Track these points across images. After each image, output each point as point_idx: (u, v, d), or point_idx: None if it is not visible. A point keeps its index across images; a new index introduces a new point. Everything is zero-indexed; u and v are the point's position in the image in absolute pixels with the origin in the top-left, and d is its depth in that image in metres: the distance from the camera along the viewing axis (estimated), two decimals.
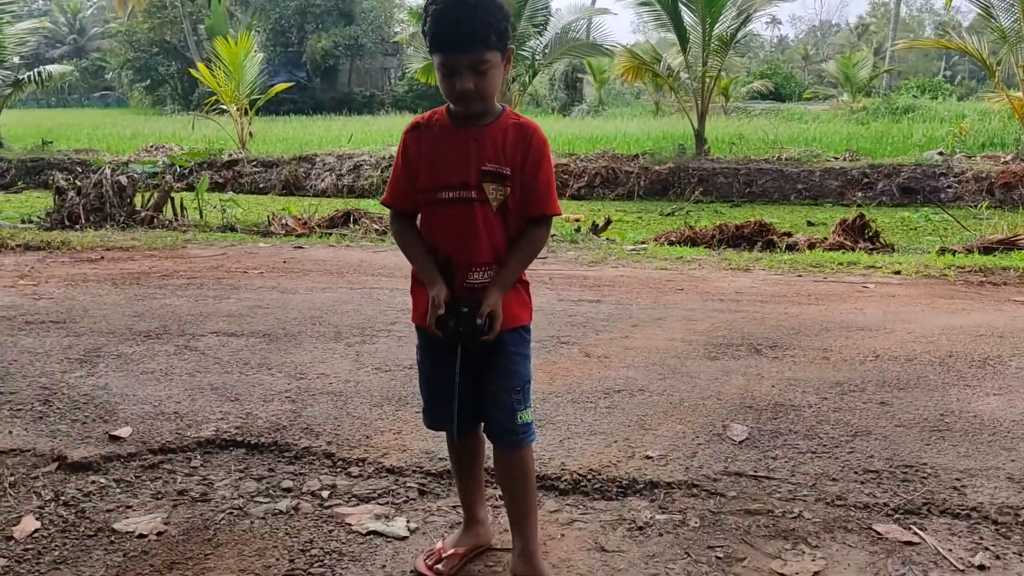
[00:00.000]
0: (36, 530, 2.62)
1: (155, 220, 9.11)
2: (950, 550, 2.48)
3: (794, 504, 2.74)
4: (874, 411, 3.45)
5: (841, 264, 6.61)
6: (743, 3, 14.69)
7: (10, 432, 3.30)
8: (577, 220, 11.41)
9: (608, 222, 9.83)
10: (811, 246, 7.96)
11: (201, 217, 9.99)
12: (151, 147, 17.43)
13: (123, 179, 9.28)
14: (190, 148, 16.51)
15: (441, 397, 2.30)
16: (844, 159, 14.57)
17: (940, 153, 14.40)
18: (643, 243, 8.09)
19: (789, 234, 8.46)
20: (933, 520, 2.65)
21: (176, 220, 9.39)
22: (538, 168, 2.18)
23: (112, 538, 2.57)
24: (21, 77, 18.81)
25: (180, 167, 13.28)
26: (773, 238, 8.13)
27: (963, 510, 2.70)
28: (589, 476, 2.93)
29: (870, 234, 8.14)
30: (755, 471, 2.96)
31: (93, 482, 2.93)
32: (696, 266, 6.67)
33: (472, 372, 2.26)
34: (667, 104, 33.32)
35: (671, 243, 8.22)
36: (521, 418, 2.26)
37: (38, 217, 9.63)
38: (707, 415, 3.43)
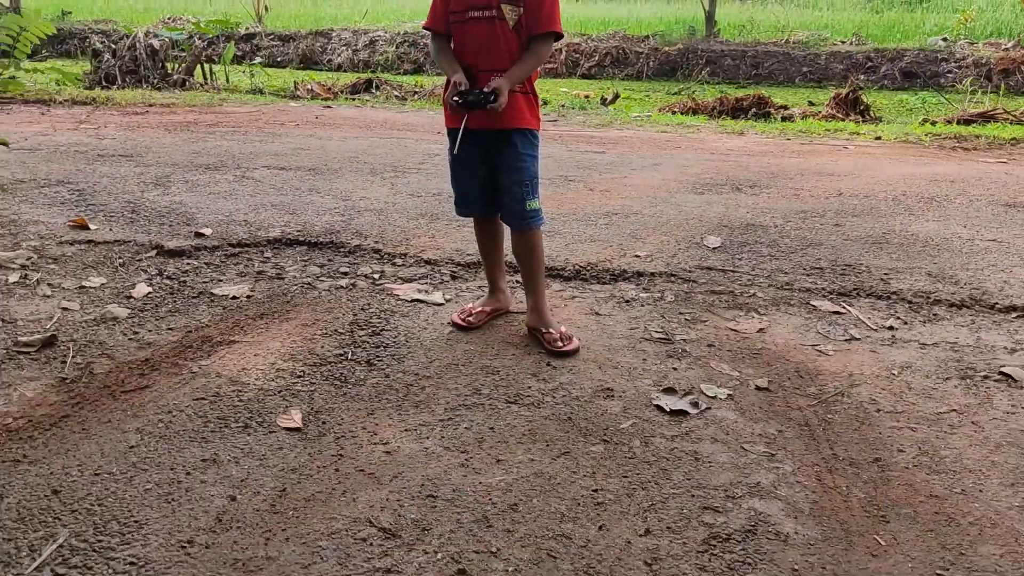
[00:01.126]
0: (148, 293, 3.33)
1: (187, 83, 9.63)
2: (869, 317, 3.18)
3: (751, 288, 3.43)
4: (828, 230, 4.12)
5: (828, 131, 7.18)
6: None
7: (110, 229, 3.98)
8: (586, 96, 11.86)
9: (616, 96, 10.30)
10: (805, 117, 8.48)
11: (227, 81, 10.48)
12: (170, 18, 17.65)
13: (155, 43, 9.75)
14: (206, 21, 16.78)
15: (466, 186, 2.96)
16: (851, 44, 14.84)
17: (944, 39, 14.66)
18: (647, 113, 8.62)
19: (786, 107, 8.96)
20: (860, 300, 3.35)
21: (207, 83, 9.91)
22: None
23: (212, 298, 3.28)
24: None
25: (204, 35, 13.65)
26: (770, 110, 8.64)
27: (885, 294, 3.39)
28: (588, 267, 3.62)
29: (861, 107, 8.65)
30: (723, 267, 3.65)
31: (188, 264, 3.63)
32: (695, 130, 7.25)
33: (490, 170, 2.89)
34: None
35: (674, 113, 8.75)
36: (529, 205, 2.90)
37: (75, 79, 10.14)
38: (689, 230, 4.10)
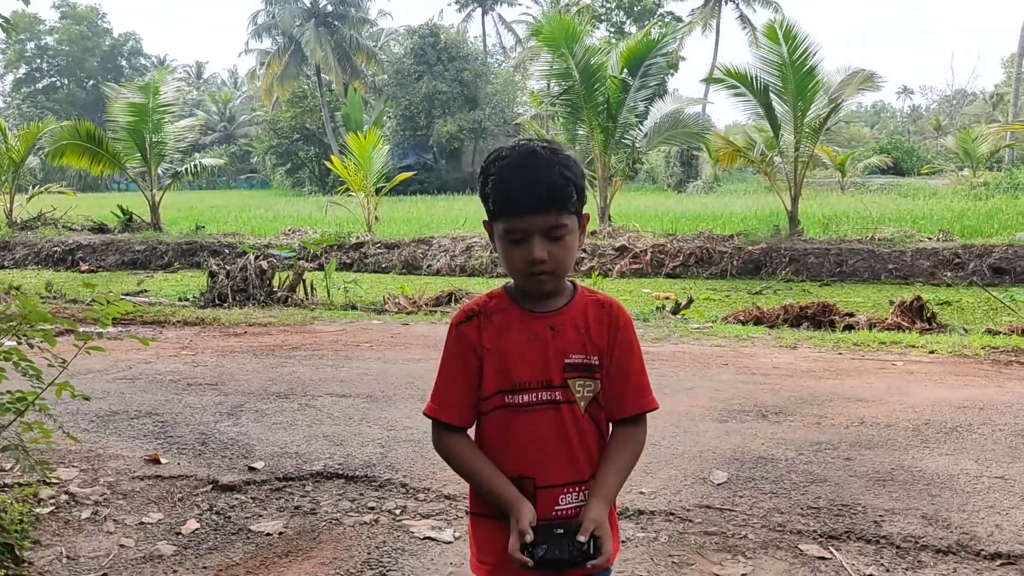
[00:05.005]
0: (196, 529, 3.77)
1: (289, 299, 10.58)
2: (852, 564, 3.30)
3: (743, 529, 3.61)
4: (837, 465, 4.26)
5: (883, 343, 7.28)
6: (833, 92, 15.42)
7: (178, 463, 4.51)
8: (667, 298, 12.28)
9: (690, 301, 10.66)
10: (871, 326, 8.59)
11: (328, 296, 11.42)
12: (289, 231, 19.37)
13: (264, 264, 10.83)
14: (323, 232, 18.33)
15: None
16: (937, 240, 14.90)
17: None
18: (709, 322, 8.92)
19: (851, 314, 9.10)
20: (849, 544, 3.47)
21: (307, 299, 10.85)
22: (630, 353, 1.90)
23: (248, 535, 3.69)
24: (179, 169, 21.29)
25: (312, 251, 14.96)
26: (834, 318, 8.81)
27: (876, 537, 3.50)
28: None
29: (928, 315, 8.71)
30: (722, 505, 3.83)
31: (236, 499, 4.07)
32: (749, 343, 7.48)
33: None
34: (781, 180, 33.83)
35: (740, 322, 9.01)
36: None
37: (193, 296, 11.30)
38: (700, 464, 4.32)
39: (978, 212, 21.13)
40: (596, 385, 1.87)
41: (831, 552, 3.39)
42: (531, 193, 1.74)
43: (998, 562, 3.26)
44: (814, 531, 3.56)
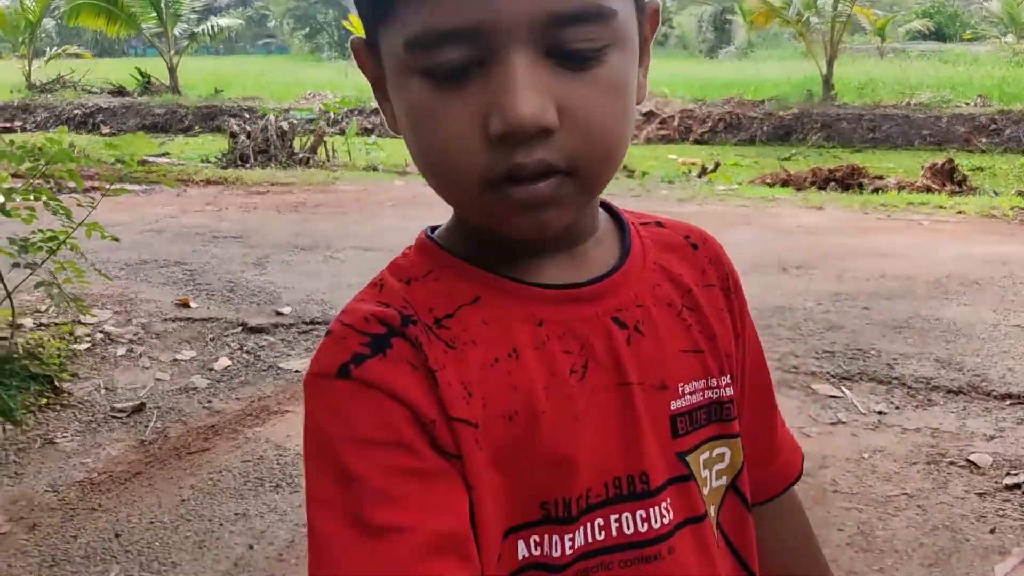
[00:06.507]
0: (228, 366, 3.90)
1: (310, 161, 10.57)
2: (863, 401, 3.38)
3: None
4: (855, 313, 4.30)
5: (911, 204, 7.21)
6: None
7: (208, 308, 4.63)
8: (693, 163, 12.13)
9: (717, 165, 10.55)
10: (900, 188, 8.47)
11: (350, 158, 11.38)
12: (309, 95, 19.14)
13: (284, 125, 10.77)
14: (343, 96, 18.10)
15: None
16: (974, 105, 14.50)
17: None
18: (735, 185, 8.83)
19: (881, 177, 8.97)
20: (861, 384, 3.55)
21: (328, 161, 10.83)
22: (758, 345, 0.85)
23: (278, 372, 3.82)
24: (196, 30, 20.92)
25: (333, 114, 14.81)
26: (863, 180, 8.69)
27: (887, 378, 3.57)
28: None
29: (959, 178, 8.57)
30: None
31: (265, 340, 4.20)
32: (775, 204, 7.43)
33: None
34: (817, 43, 32.64)
35: (767, 184, 8.92)
36: None
37: (215, 157, 11.30)
38: None
39: (1019, 79, 20.40)
40: (733, 449, 0.74)
41: (843, 391, 3.47)
42: None
43: (1008, 402, 3.33)
44: (827, 372, 3.64)
